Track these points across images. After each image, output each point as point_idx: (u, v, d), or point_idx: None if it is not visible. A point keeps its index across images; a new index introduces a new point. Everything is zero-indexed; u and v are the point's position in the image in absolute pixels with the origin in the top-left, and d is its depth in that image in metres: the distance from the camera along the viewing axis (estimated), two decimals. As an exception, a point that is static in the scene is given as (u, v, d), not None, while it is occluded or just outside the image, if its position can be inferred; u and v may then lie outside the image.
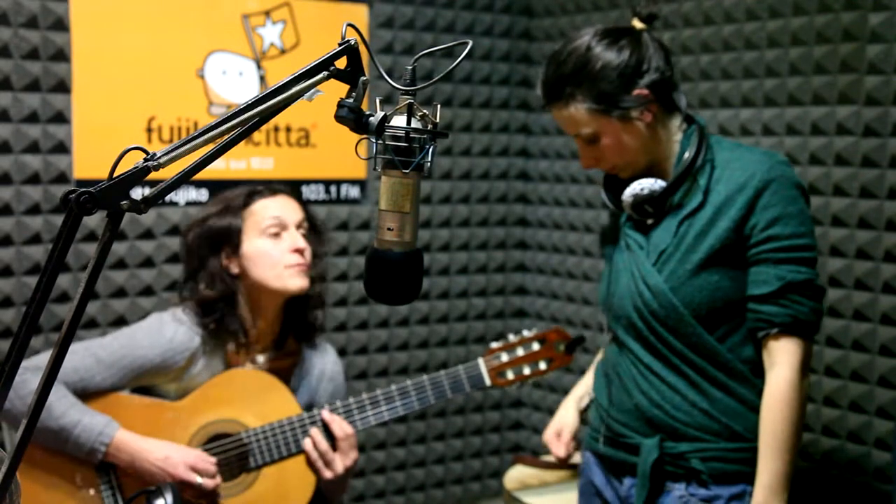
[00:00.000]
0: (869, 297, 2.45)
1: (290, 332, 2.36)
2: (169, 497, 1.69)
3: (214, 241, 2.24)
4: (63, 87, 2.64)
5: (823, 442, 2.55)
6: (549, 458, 2.44)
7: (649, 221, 1.95)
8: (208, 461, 2.13)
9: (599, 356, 2.21)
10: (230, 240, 2.23)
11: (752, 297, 1.86)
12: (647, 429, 1.94)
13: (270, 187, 2.29)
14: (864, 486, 2.47)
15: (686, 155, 1.90)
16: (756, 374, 1.89)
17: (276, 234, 2.23)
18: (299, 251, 2.23)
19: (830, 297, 2.52)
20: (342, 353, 3.13)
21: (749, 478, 1.87)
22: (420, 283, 1.15)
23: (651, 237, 1.93)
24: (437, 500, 3.37)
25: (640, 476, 1.92)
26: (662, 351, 1.92)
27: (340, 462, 2.20)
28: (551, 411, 3.37)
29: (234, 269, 2.25)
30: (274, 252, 2.22)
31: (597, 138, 1.90)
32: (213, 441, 2.20)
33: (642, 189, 1.91)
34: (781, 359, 1.83)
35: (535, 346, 2.38)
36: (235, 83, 2.90)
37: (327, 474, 2.20)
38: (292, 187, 2.35)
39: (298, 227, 2.27)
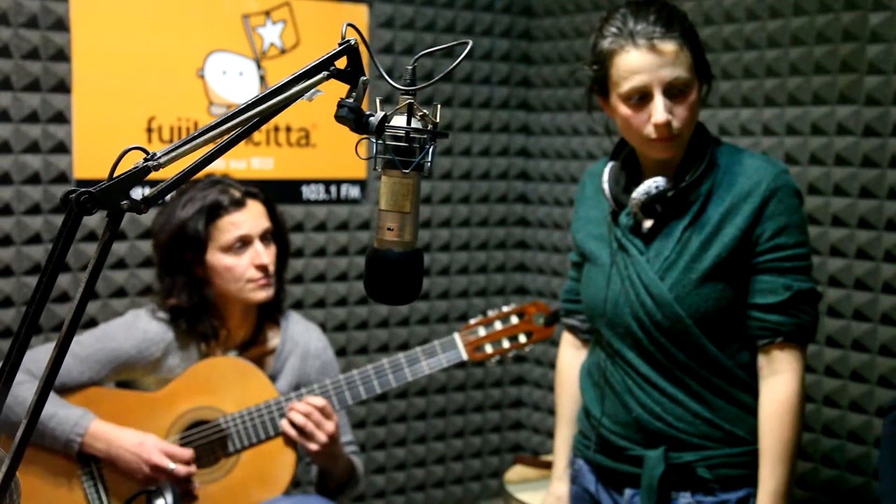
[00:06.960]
0: (869, 297, 2.45)
1: (264, 324, 2.38)
2: (169, 497, 1.70)
3: (182, 246, 2.25)
4: (63, 87, 2.64)
5: (823, 442, 2.55)
6: (549, 458, 2.45)
7: (646, 224, 1.90)
8: (184, 450, 2.17)
9: (570, 359, 2.18)
10: (195, 249, 2.25)
11: (758, 306, 1.84)
12: (648, 441, 1.90)
13: (234, 199, 2.25)
14: (864, 485, 2.47)
15: (712, 156, 1.87)
16: (752, 378, 1.88)
17: (240, 250, 2.25)
18: (261, 267, 2.25)
19: (830, 297, 2.52)
20: (342, 352, 3.13)
21: (752, 480, 1.86)
22: (420, 283, 1.15)
23: (652, 243, 1.87)
24: (437, 500, 3.37)
25: (645, 489, 1.88)
26: (663, 361, 1.87)
27: (320, 431, 2.22)
28: (551, 411, 3.37)
29: (200, 274, 2.27)
30: (236, 268, 2.24)
31: (686, 90, 1.81)
32: (193, 428, 2.23)
33: (658, 187, 1.84)
34: (784, 367, 1.83)
35: (514, 320, 2.35)
36: (235, 83, 2.90)
37: (312, 447, 2.22)
38: (260, 188, 2.31)
39: (263, 237, 2.27)
